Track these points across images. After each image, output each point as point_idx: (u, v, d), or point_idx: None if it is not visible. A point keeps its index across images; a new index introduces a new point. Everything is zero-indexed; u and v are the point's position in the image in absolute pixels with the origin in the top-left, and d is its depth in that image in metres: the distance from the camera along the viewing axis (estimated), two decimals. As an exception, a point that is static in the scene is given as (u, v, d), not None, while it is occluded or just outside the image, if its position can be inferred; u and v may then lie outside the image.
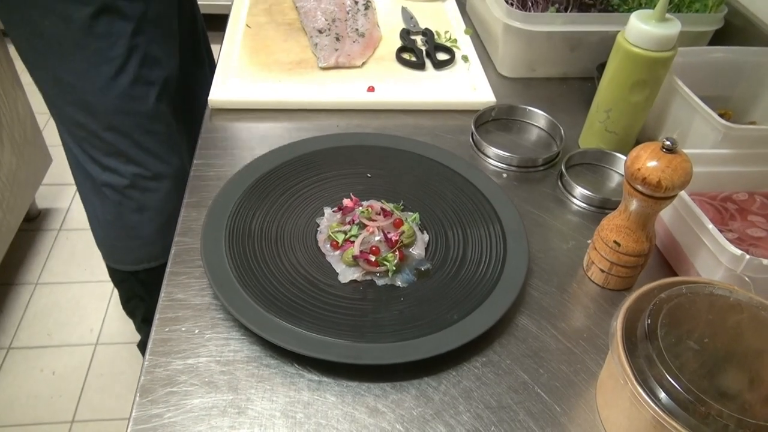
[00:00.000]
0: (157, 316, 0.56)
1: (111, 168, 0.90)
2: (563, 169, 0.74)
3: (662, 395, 0.43)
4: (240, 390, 0.51)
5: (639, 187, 0.54)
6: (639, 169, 0.53)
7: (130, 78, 0.82)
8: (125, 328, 1.52)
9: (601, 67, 0.79)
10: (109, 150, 0.88)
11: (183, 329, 0.55)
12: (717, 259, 0.57)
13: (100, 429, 1.38)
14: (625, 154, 0.76)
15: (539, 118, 0.84)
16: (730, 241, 0.57)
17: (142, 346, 1.32)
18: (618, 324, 0.47)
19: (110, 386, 1.45)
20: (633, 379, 0.44)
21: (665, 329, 0.46)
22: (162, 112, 0.89)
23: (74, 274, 1.70)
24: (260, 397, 0.51)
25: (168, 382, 0.51)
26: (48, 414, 1.40)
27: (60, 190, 1.91)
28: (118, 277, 1.07)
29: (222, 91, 0.82)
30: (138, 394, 0.50)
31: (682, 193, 0.60)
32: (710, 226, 0.57)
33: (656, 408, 0.43)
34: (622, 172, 0.77)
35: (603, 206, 0.71)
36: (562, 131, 0.80)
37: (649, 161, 0.53)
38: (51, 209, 1.87)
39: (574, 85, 0.93)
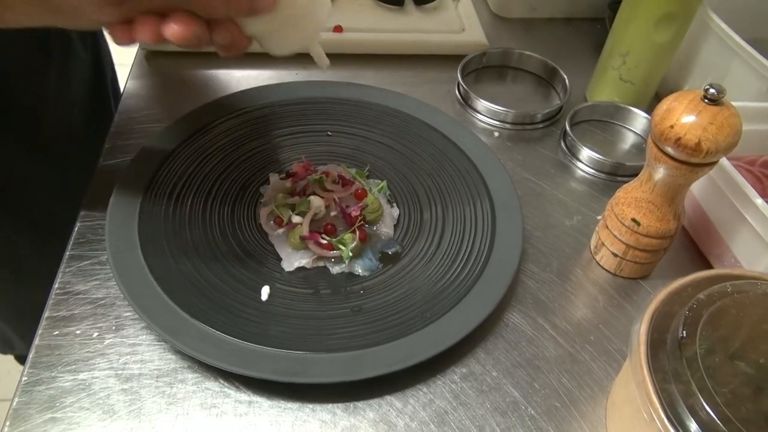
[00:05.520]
0: (45, 313, 0.44)
1: None
2: (567, 127, 0.61)
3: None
4: (144, 416, 0.39)
5: (670, 151, 0.41)
6: (672, 127, 0.40)
7: None
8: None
9: (615, 4, 0.66)
10: None
11: (78, 332, 0.43)
12: (764, 241, 0.45)
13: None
14: (643, 108, 0.64)
15: (539, 65, 0.70)
16: (779, 218, 0.44)
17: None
18: (641, 337, 0.35)
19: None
20: (665, 419, 0.32)
21: (705, 345, 0.34)
22: None
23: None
24: (170, 425, 0.39)
25: (49, 406, 0.39)
26: None
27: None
28: None
29: (156, 30, 0.68)
30: (7, 423, 0.38)
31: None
32: (759, 200, 0.45)
33: (694, 457, 0.31)
34: (639, 131, 0.65)
35: (615, 172, 0.59)
36: (567, 81, 0.66)
37: (685, 116, 0.39)
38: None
39: (581, 26, 0.80)
